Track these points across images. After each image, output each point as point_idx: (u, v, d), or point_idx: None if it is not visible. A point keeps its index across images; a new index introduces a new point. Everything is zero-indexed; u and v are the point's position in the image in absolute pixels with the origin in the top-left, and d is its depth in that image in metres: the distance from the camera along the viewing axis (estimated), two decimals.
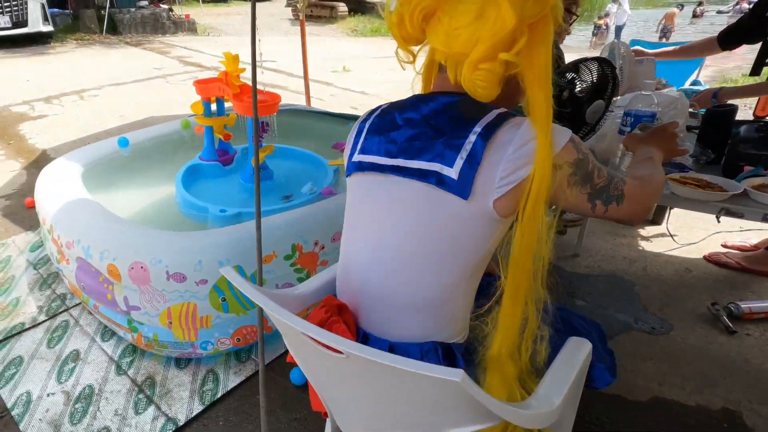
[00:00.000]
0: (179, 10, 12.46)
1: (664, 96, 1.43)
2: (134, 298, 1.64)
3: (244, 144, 2.47)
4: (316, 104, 5.01)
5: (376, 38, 12.09)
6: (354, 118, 3.02)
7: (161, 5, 12.36)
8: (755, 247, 2.28)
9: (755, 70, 1.94)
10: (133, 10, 11.21)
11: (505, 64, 0.74)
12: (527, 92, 0.76)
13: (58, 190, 1.99)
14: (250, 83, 2.08)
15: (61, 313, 1.96)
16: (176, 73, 7.12)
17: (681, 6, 11.10)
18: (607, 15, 11.13)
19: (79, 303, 2.00)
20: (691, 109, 1.76)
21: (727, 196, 1.18)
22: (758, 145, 1.28)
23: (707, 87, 3.65)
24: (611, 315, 1.94)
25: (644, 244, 2.48)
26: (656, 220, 2.60)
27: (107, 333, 1.86)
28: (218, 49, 9.19)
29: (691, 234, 2.35)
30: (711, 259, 2.28)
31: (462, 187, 0.75)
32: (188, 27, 11.75)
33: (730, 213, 1.18)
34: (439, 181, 0.77)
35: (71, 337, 1.84)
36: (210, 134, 2.31)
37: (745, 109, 4.38)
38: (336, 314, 0.88)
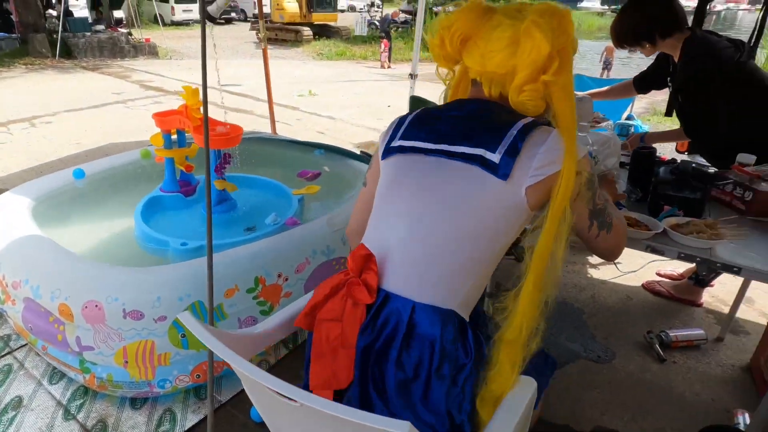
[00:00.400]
0: (139, 34, 12.25)
1: (598, 136, 1.53)
2: (87, 337, 1.58)
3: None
4: (282, 129, 5.03)
5: (341, 62, 12.26)
6: (318, 146, 3.04)
7: (119, 29, 12.16)
8: (681, 276, 2.44)
9: (668, 112, 2.15)
10: (88, 34, 10.88)
11: (545, 84, 0.88)
12: (556, 106, 0.89)
13: (3, 226, 1.90)
14: (214, 117, 2.09)
15: (4, 355, 1.86)
16: (137, 98, 6.98)
17: None
18: None
19: (26, 344, 1.90)
20: (623, 151, 1.90)
21: (651, 235, 1.28)
22: (674, 187, 1.40)
23: (639, 122, 3.94)
24: (562, 343, 2.02)
25: (592, 272, 2.61)
26: None
27: (56, 375, 1.77)
28: (181, 73, 9.09)
29: (633, 262, 2.49)
30: (647, 288, 2.43)
31: (502, 170, 0.85)
32: (149, 51, 11.55)
33: (654, 250, 1.28)
34: (483, 163, 0.87)
35: (14, 382, 1.74)
36: (171, 165, 2.28)
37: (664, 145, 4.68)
38: (357, 274, 0.92)
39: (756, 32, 2.02)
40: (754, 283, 2.04)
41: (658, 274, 2.52)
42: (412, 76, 3.35)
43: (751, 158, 1.59)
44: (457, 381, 0.87)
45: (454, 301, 0.89)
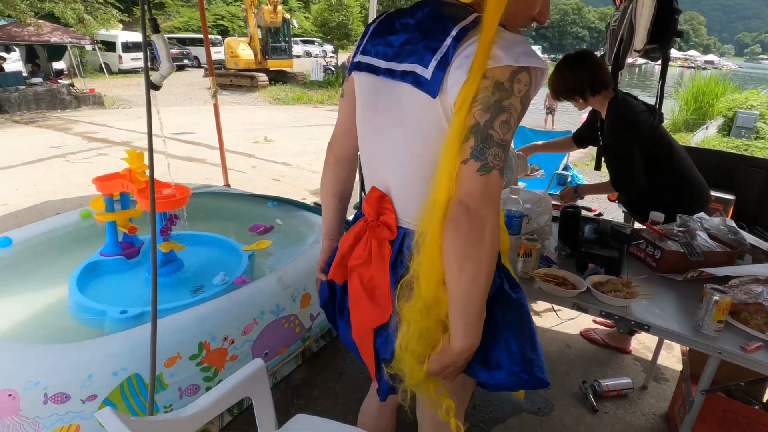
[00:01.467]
0: (82, 84, 11.80)
1: (531, 194, 1.65)
2: None
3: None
4: (237, 177, 5.00)
5: (298, 106, 12.46)
6: (271, 198, 3.05)
7: (60, 81, 11.69)
8: (613, 324, 2.56)
9: (597, 166, 2.34)
10: (22, 87, 10.31)
11: None
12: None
13: None
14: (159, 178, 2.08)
15: None
16: (79, 150, 6.67)
17: None
18: None
19: None
20: (556, 202, 2.03)
21: (576, 293, 1.37)
22: (596, 246, 1.51)
23: (576, 171, 4.22)
24: (506, 395, 2.05)
25: (535, 319, 2.69)
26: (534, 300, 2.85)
27: None
28: (129, 122, 8.92)
29: (572, 310, 2.60)
30: (584, 335, 2.54)
31: (432, 86, 0.82)
32: (94, 101, 11.12)
33: (579, 307, 1.37)
34: (415, 81, 0.85)
35: None
36: (113, 228, 2.23)
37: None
38: (375, 217, 0.97)
39: (658, 97, 2.26)
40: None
41: (595, 321, 2.64)
42: None
43: (660, 216, 1.75)
44: None
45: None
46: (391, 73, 0.90)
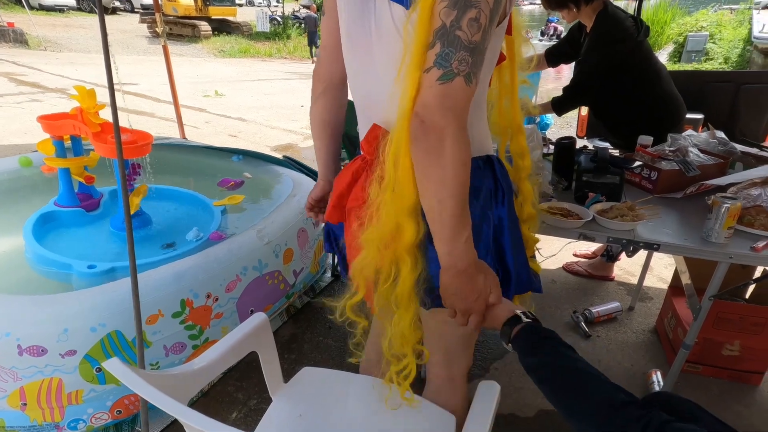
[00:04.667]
0: None
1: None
2: None
3: (113, 186, 2.19)
4: (191, 132, 4.68)
5: (245, 59, 11.74)
6: (237, 151, 2.87)
7: None
8: (594, 254, 2.71)
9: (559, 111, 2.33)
10: None
11: None
12: None
13: None
14: (109, 120, 1.87)
15: None
16: (8, 93, 6.02)
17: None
18: None
19: None
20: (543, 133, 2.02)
21: (582, 223, 1.37)
22: (595, 174, 1.51)
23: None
24: (497, 333, 2.12)
25: None
26: None
27: None
28: (61, 68, 8.05)
29: (551, 246, 2.69)
30: (567, 269, 2.65)
31: None
32: (15, 38, 9.95)
33: (585, 237, 1.38)
34: None
35: None
36: (67, 177, 1.99)
37: (568, 128, 5.21)
38: (375, 156, 0.87)
39: (636, 11, 2.29)
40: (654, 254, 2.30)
41: (575, 255, 2.74)
42: None
43: (649, 139, 1.80)
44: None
45: None
46: None
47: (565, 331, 2.15)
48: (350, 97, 1.07)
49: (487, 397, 0.96)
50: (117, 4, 18.14)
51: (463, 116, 0.72)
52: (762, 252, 1.24)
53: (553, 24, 14.10)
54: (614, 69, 1.92)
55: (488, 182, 0.91)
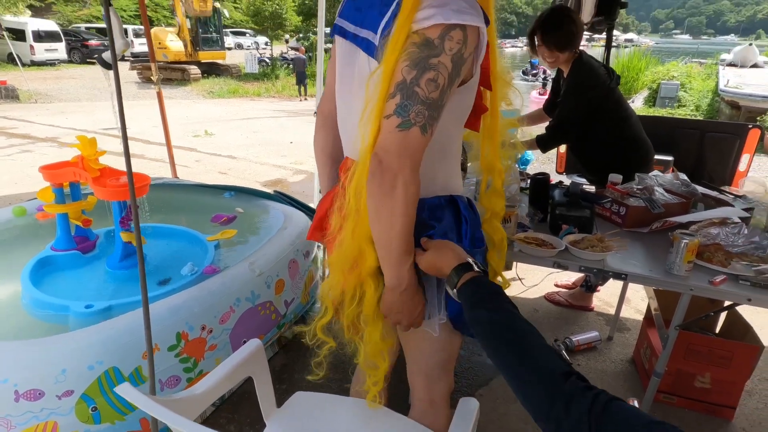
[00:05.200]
0: None
1: None
2: None
3: (108, 227, 2.26)
4: (182, 172, 4.77)
5: (234, 99, 12.00)
6: (228, 188, 2.96)
7: None
8: (574, 284, 2.80)
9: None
10: None
11: None
12: None
13: None
14: (111, 166, 1.96)
15: None
16: None
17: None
18: None
19: None
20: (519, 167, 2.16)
21: (556, 252, 1.47)
22: (568, 208, 1.63)
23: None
24: (483, 360, 2.18)
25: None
26: (507, 266, 3.03)
27: None
28: (52, 118, 8.19)
29: (534, 276, 2.81)
30: (548, 299, 2.74)
31: (378, 52, 0.84)
32: (6, 94, 10.16)
33: (559, 265, 1.48)
34: (367, 47, 0.87)
35: None
36: (65, 222, 2.07)
37: (550, 163, 5.38)
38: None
39: (604, 63, 2.46)
40: (630, 285, 2.40)
41: (556, 285, 2.84)
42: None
43: (619, 177, 1.92)
44: None
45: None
46: (354, 38, 0.93)
47: None
48: None
49: (466, 412, 1.02)
50: (129, 53, 18.47)
51: (416, 161, 0.81)
52: (719, 286, 1.33)
53: (540, 67, 14.54)
54: (590, 114, 2.08)
55: (448, 218, 0.99)
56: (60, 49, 16.74)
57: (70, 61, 17.26)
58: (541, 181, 1.72)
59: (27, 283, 1.91)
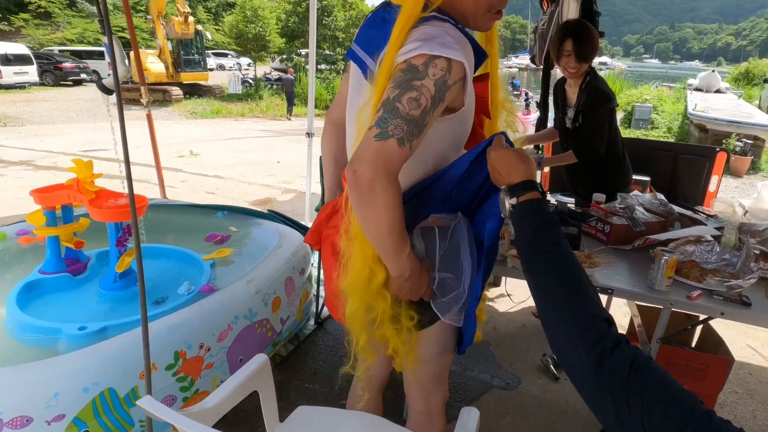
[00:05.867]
0: None
1: None
2: None
3: (100, 248, 2.24)
4: (169, 192, 4.73)
5: (218, 119, 11.99)
6: (220, 208, 2.96)
7: None
8: None
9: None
10: None
11: None
12: None
13: None
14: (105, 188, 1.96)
15: None
16: None
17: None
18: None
19: None
20: None
21: None
22: None
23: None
24: (475, 375, 2.23)
25: (491, 305, 2.92)
26: (496, 282, 3.10)
27: None
28: (24, 141, 8.01)
29: (523, 293, 2.86)
30: (536, 315, 2.78)
31: (369, 75, 0.90)
32: None
33: None
34: (365, 71, 0.95)
35: None
36: (55, 244, 2.05)
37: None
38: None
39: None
40: (614, 301, 2.46)
41: None
42: (309, 135, 3.40)
43: (602, 196, 2.02)
44: None
45: None
46: (362, 63, 1.00)
47: (536, 374, 2.27)
48: None
49: (468, 421, 1.06)
50: (83, 76, 18.25)
51: (391, 171, 0.83)
52: (696, 300, 1.42)
53: (522, 89, 15.06)
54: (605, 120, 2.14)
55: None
56: (31, 72, 16.39)
57: (42, 84, 16.96)
58: None
59: (13, 307, 1.86)
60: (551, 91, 2.57)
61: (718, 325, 1.87)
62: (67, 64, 17.94)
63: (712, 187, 2.95)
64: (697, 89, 14.33)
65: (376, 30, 0.97)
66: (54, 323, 1.78)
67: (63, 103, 13.26)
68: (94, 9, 26.54)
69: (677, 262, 1.48)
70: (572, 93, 2.24)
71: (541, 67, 2.85)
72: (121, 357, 1.55)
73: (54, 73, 17.64)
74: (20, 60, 16.00)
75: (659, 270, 1.43)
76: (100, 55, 18.88)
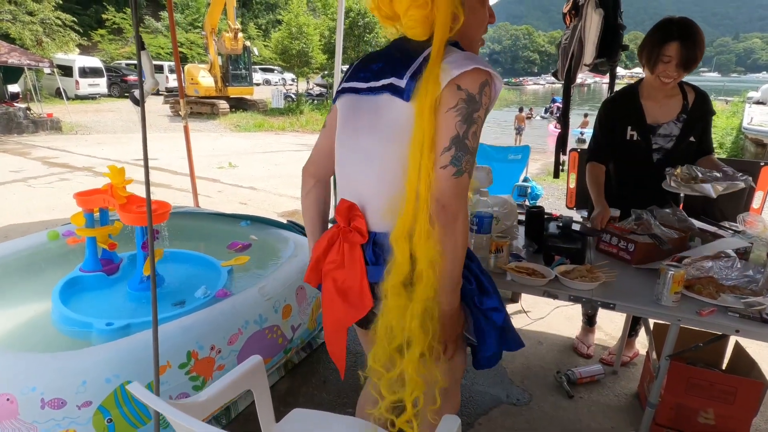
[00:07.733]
0: (39, 109, 11.65)
1: (497, 199, 1.82)
2: None
3: (131, 251, 2.43)
4: (204, 201, 5.01)
5: (260, 133, 12.50)
6: (244, 217, 3.12)
7: (15, 104, 11.45)
8: (588, 355, 2.72)
9: (556, 174, 2.55)
10: None
11: (425, 6, 0.97)
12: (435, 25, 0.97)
13: None
14: (137, 194, 2.14)
15: None
16: (40, 175, 6.55)
17: (521, 109, 13.81)
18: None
19: None
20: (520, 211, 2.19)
21: (546, 281, 1.51)
22: (560, 240, 1.68)
23: (534, 183, 4.47)
24: (485, 390, 2.21)
25: None
26: (514, 298, 3.06)
27: None
28: (89, 148, 8.72)
29: (540, 309, 2.82)
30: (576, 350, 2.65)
31: (406, 92, 0.97)
32: (51, 126, 10.99)
33: (549, 294, 1.51)
34: (392, 90, 1.00)
35: None
36: (93, 245, 2.25)
37: (561, 199, 5.42)
38: (347, 224, 1.08)
39: None
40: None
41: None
42: None
43: (617, 212, 1.94)
44: None
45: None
46: (371, 90, 1.06)
47: (548, 391, 2.23)
48: None
49: (449, 428, 1.08)
50: (164, 88, 19.55)
51: (467, 201, 0.98)
52: (706, 317, 1.37)
53: (557, 104, 14.97)
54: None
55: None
56: (101, 84, 18.10)
57: (109, 95, 18.54)
58: (535, 213, 1.79)
59: (57, 301, 2.07)
60: (577, 107, 2.48)
61: (752, 345, 1.77)
62: (131, 77, 19.47)
63: (756, 204, 2.78)
64: (758, 102, 13.46)
65: (381, 64, 1.07)
66: (87, 318, 1.97)
67: (125, 114, 14.32)
68: (158, 25, 28.60)
69: (687, 279, 1.42)
70: (657, 107, 1.94)
71: (563, 80, 2.83)
72: (139, 352, 1.66)
73: (120, 85, 19.29)
74: (94, 73, 17.66)
75: (665, 285, 1.39)
76: (158, 70, 20.24)
